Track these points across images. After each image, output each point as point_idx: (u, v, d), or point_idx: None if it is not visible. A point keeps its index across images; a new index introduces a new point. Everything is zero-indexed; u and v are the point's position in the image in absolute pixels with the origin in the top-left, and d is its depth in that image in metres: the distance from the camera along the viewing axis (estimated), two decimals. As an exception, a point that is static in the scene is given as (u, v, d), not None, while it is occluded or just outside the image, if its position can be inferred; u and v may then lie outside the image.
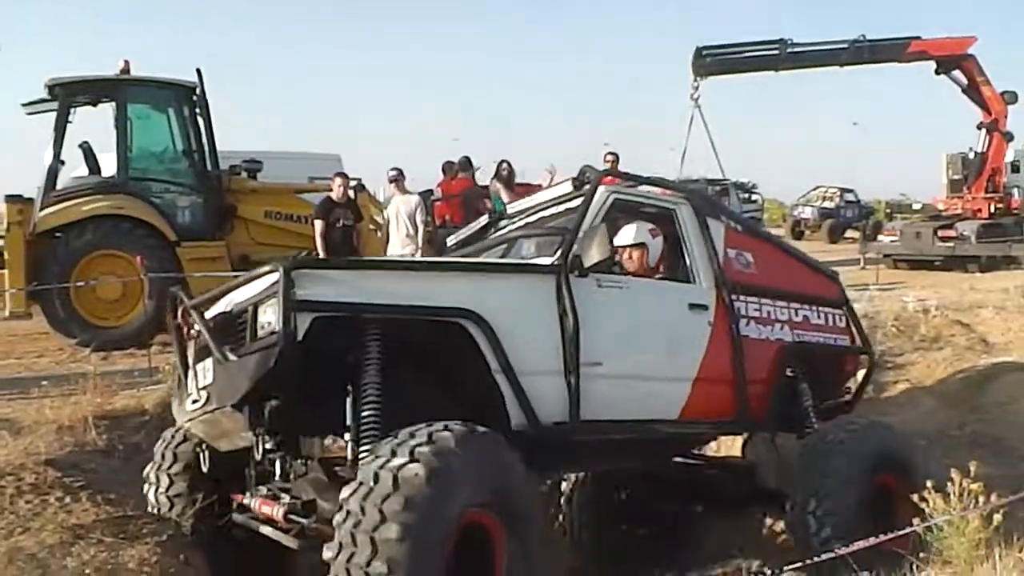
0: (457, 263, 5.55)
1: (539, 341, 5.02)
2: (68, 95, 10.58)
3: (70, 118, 10.59)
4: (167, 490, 5.51)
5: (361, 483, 4.07)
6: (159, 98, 10.92)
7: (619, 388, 5.28)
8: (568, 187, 5.90)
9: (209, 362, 4.74)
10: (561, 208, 5.98)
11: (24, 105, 11.27)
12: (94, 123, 11.45)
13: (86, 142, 11.09)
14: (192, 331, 4.92)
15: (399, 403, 4.66)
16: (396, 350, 4.70)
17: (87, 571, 4.76)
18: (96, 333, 9.90)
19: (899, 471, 5.62)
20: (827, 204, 30.87)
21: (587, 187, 5.61)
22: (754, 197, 26.31)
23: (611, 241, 5.36)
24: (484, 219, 6.75)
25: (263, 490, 5.05)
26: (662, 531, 6.98)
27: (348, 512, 4.03)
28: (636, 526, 7.07)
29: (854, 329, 6.78)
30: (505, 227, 6.47)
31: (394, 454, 4.13)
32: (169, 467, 5.59)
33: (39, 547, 5.06)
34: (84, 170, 11.12)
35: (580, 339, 5.04)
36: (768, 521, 7.02)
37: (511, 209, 6.64)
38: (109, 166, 10.84)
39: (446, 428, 4.28)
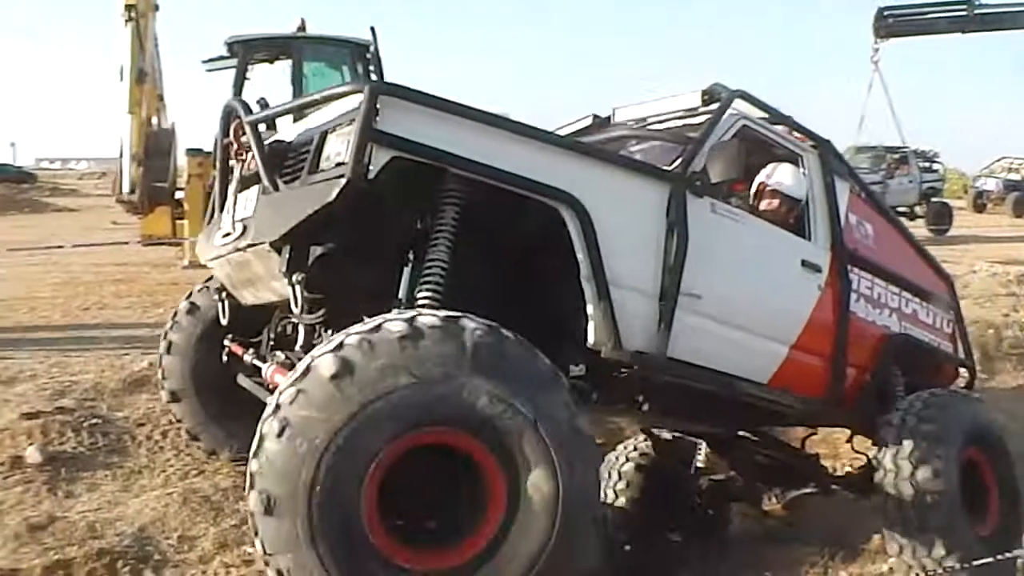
0: (571, 141, 4.62)
1: (640, 253, 4.33)
2: (247, 52, 10.90)
3: (248, 75, 10.91)
4: (176, 335, 5.38)
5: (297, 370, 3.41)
6: (334, 55, 11.13)
7: (713, 331, 4.58)
8: (695, 100, 5.16)
9: (254, 191, 4.24)
10: (679, 124, 5.25)
11: (204, 62, 11.66)
12: (270, 79, 11.73)
13: (263, 98, 11.37)
14: (241, 153, 4.34)
15: (465, 289, 4.06)
16: (474, 224, 4.10)
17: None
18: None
19: (986, 447, 5.24)
20: (1012, 176, 29.02)
21: (717, 105, 4.93)
22: (935, 166, 24.90)
23: (740, 167, 4.60)
24: (587, 118, 5.82)
25: (280, 356, 4.38)
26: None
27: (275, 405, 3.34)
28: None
29: (959, 337, 6.22)
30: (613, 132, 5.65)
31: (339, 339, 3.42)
32: (187, 311, 5.38)
33: (213, 489, 5.23)
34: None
35: (684, 263, 4.38)
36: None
37: (620, 115, 5.73)
38: (284, 122, 11.10)
39: (421, 315, 3.51)
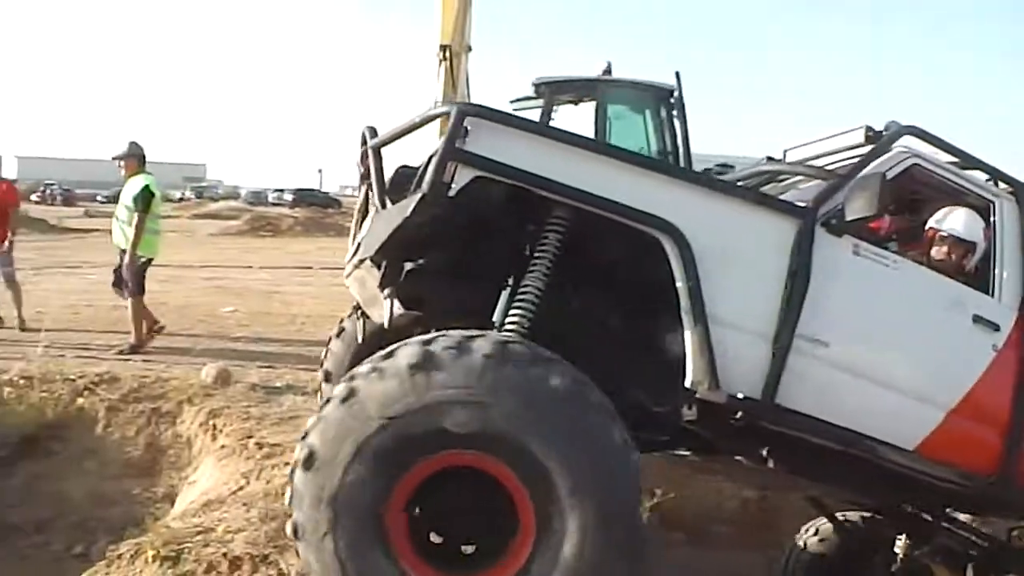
0: (677, 168, 4.56)
1: (750, 290, 4.05)
2: (553, 93, 11.06)
3: (553, 115, 11.07)
4: (329, 363, 5.42)
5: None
6: (637, 99, 11.09)
7: (841, 383, 4.16)
8: (858, 137, 4.68)
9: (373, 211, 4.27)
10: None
11: (512, 102, 11.95)
12: (575, 121, 11.89)
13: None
14: (368, 176, 4.34)
15: (564, 317, 4.11)
16: (581, 252, 4.06)
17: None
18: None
19: None
20: None
21: (882, 140, 4.50)
22: None
23: (878, 204, 4.03)
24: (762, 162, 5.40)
25: None
26: None
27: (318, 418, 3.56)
28: None
29: None
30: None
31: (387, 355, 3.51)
32: (336, 335, 5.41)
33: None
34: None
35: (805, 304, 4.03)
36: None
37: (792, 156, 5.31)
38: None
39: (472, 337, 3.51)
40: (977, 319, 4.44)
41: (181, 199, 65.01)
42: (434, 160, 3.79)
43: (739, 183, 4.85)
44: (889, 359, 4.30)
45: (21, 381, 7.82)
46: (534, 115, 11.51)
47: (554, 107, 11.14)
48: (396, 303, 4.15)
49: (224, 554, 4.65)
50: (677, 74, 11.12)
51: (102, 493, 6.94)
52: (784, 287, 4.04)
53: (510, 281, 4.15)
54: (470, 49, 13.80)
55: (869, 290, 4.27)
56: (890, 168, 4.35)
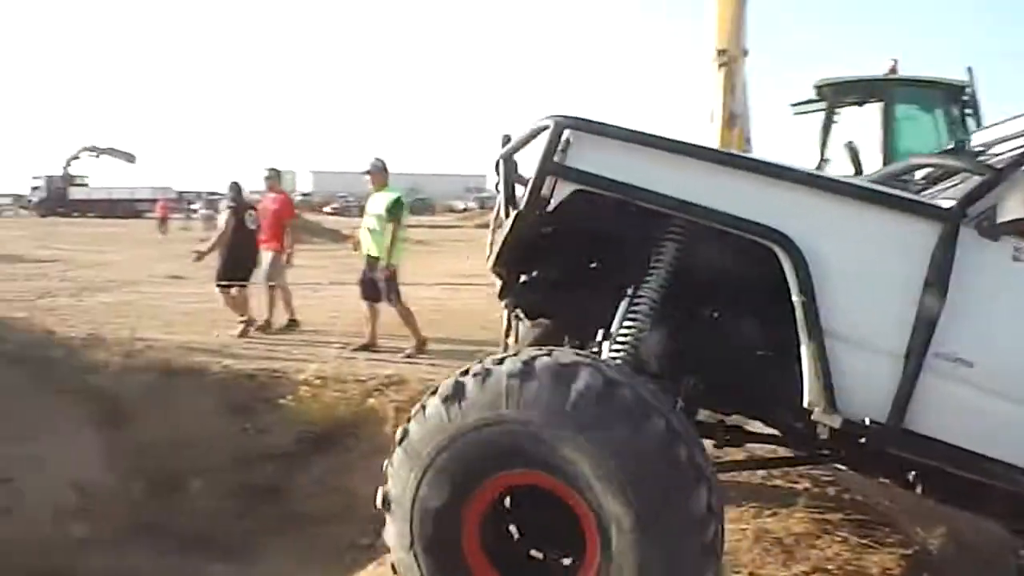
0: (790, 170, 3.81)
1: (878, 302, 3.57)
2: (836, 95, 10.66)
3: (836, 118, 10.68)
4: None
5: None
6: (927, 98, 10.49)
7: (990, 408, 3.54)
8: None
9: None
10: None
11: (793, 105, 11.62)
12: (860, 123, 11.43)
13: (852, 142, 11.13)
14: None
15: (691, 328, 3.98)
16: (703, 257, 3.79)
17: (829, 567, 4.60)
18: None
19: None
20: None
21: None
22: None
23: None
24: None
25: None
26: None
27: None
28: None
29: None
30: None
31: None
32: (504, 332, 5.22)
33: (785, 532, 5.02)
34: (849, 169, 11.19)
35: (945, 319, 3.45)
36: None
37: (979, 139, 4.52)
38: (872, 167, 10.76)
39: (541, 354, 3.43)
40: None
41: (464, 209, 67.09)
42: (532, 175, 3.74)
43: (883, 179, 4.32)
44: None
45: (316, 381, 8.36)
46: (816, 119, 11.23)
47: (837, 110, 10.79)
48: (519, 313, 4.23)
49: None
50: (969, 69, 10.45)
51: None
52: (919, 299, 3.53)
53: (630, 290, 3.94)
54: (746, 53, 13.53)
55: None
56: None
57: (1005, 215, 3.53)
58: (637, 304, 3.84)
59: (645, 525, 3.27)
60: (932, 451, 3.63)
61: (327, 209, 62.67)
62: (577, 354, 3.52)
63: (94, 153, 61.70)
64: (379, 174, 10.72)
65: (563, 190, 3.75)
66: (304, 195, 75.76)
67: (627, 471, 3.29)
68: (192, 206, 44.00)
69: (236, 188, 12.13)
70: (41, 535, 5.79)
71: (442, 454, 3.50)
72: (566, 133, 3.76)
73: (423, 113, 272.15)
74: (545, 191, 3.76)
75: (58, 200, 61.54)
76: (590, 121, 3.88)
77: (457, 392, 3.52)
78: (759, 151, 14.13)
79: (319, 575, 6.33)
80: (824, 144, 10.51)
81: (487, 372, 3.50)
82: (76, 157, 62.33)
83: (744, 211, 3.63)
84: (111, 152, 60.94)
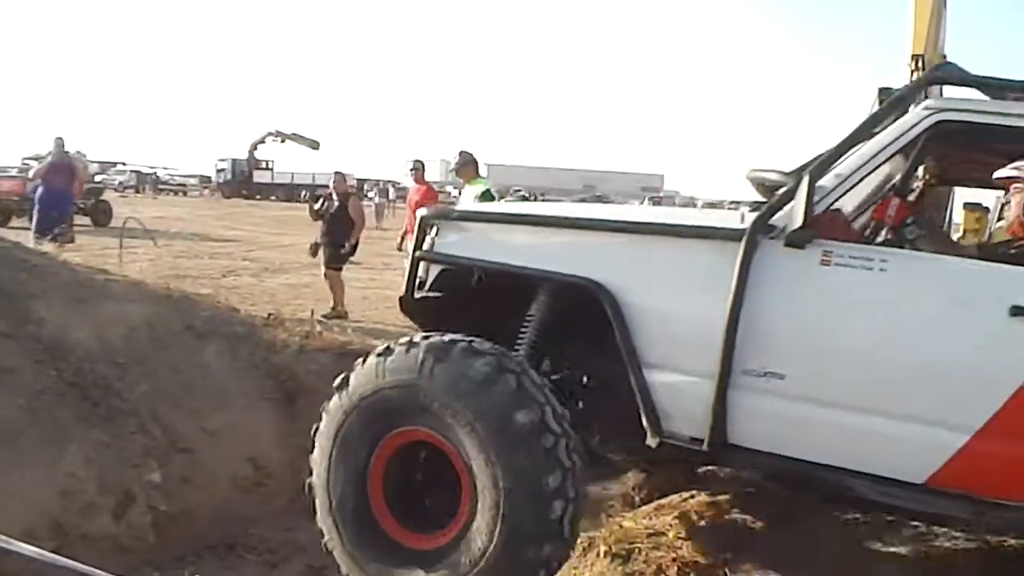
0: (595, 219, 4.36)
1: (685, 328, 3.86)
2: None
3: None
4: None
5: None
6: None
7: (812, 416, 3.66)
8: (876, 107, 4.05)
9: None
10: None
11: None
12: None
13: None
14: None
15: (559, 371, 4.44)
16: (555, 312, 4.28)
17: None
18: None
19: None
20: None
21: (893, 101, 3.80)
22: None
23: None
24: None
25: None
26: None
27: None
28: None
29: None
30: None
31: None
32: None
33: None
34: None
35: (751, 335, 3.64)
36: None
37: None
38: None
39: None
40: (1017, 311, 3.45)
41: (636, 210, 67.13)
42: (407, 264, 4.61)
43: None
44: (877, 382, 3.61)
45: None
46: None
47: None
48: None
49: (674, 559, 4.69)
50: None
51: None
52: (723, 321, 3.70)
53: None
54: (944, 58, 12.87)
55: (846, 303, 3.67)
56: (897, 140, 3.76)
57: (793, 223, 3.66)
58: (515, 351, 4.21)
59: (501, 495, 3.71)
60: (759, 463, 3.90)
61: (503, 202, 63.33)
62: (491, 345, 3.96)
63: (279, 138, 64.18)
64: (467, 167, 10.84)
65: (433, 271, 4.54)
66: (482, 187, 77.03)
67: (498, 445, 3.72)
68: (368, 194, 45.15)
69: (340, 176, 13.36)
70: (216, 506, 6.01)
71: (364, 400, 4.06)
72: (432, 225, 4.51)
73: (603, 110, 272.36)
74: (421, 273, 4.57)
75: (242, 182, 64.37)
76: (448, 212, 4.74)
77: (387, 353, 4.05)
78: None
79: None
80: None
81: (413, 343, 4.00)
82: (262, 141, 64.99)
83: (559, 265, 4.13)
84: (295, 138, 63.27)
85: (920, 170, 5.06)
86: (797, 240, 3.67)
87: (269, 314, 9.97)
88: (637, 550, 4.81)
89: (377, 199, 42.02)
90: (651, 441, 3.96)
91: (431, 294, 4.60)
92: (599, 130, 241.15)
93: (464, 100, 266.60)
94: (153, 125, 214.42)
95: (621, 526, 5.19)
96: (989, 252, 4.00)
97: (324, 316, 11.42)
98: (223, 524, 5.93)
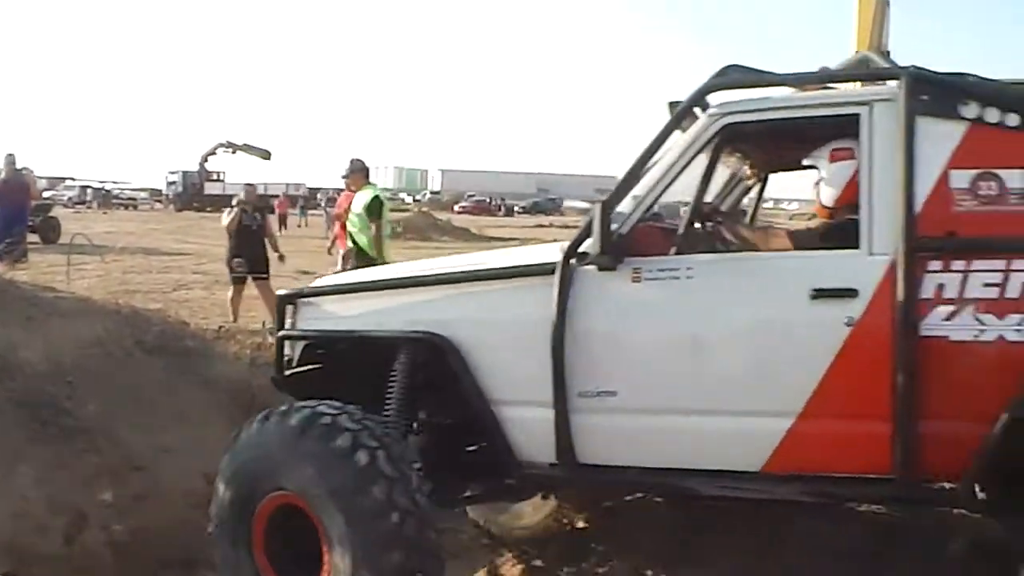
0: (420, 277, 4.58)
1: (520, 362, 4.08)
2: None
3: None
4: None
5: None
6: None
7: (649, 426, 3.88)
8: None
9: None
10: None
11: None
12: None
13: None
14: None
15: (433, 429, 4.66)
16: (416, 371, 4.40)
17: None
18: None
19: None
20: None
21: (677, 114, 4.00)
22: None
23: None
24: None
25: None
26: None
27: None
28: None
29: None
30: None
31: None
32: None
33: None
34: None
35: (579, 358, 3.89)
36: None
37: None
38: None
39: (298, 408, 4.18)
40: (818, 293, 3.67)
41: (587, 211, 67.65)
42: (275, 344, 4.88)
43: None
44: (700, 384, 3.84)
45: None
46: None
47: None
48: None
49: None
50: None
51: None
52: (550, 351, 3.92)
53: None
54: (888, 54, 13.09)
55: (661, 314, 3.90)
56: (687, 150, 3.96)
57: (593, 248, 3.87)
58: (386, 412, 4.38)
59: (346, 544, 3.85)
60: (611, 477, 4.09)
61: (457, 207, 63.26)
62: (328, 407, 4.11)
63: (230, 149, 63.50)
64: (356, 174, 10.80)
65: (297, 348, 4.77)
66: (434, 193, 76.75)
67: (338, 500, 3.87)
68: (321, 203, 44.89)
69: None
70: (173, 523, 5.92)
71: (238, 471, 4.29)
72: (288, 304, 4.82)
73: (556, 113, 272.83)
74: (288, 352, 4.80)
75: (194, 195, 63.73)
76: (301, 290, 4.98)
77: (257, 426, 4.25)
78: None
79: None
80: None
81: (268, 415, 4.23)
82: (212, 153, 64.31)
83: (402, 324, 4.38)
84: (247, 148, 62.62)
85: (743, 167, 5.32)
86: (602, 265, 3.89)
87: (220, 327, 9.89)
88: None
89: (328, 208, 41.77)
90: (514, 473, 4.22)
91: (302, 369, 4.81)
92: (552, 133, 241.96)
93: (416, 106, 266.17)
94: (102, 139, 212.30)
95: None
96: (800, 238, 4.19)
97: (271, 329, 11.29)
98: (181, 542, 5.84)
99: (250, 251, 12.11)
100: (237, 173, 67.77)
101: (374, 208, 10.47)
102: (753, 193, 5.59)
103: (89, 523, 5.63)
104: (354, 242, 10.70)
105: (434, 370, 4.38)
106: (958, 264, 3.58)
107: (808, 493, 3.90)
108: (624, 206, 4.03)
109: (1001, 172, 3.60)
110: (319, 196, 53.88)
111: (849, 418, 3.72)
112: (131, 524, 5.78)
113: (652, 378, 3.92)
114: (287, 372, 4.82)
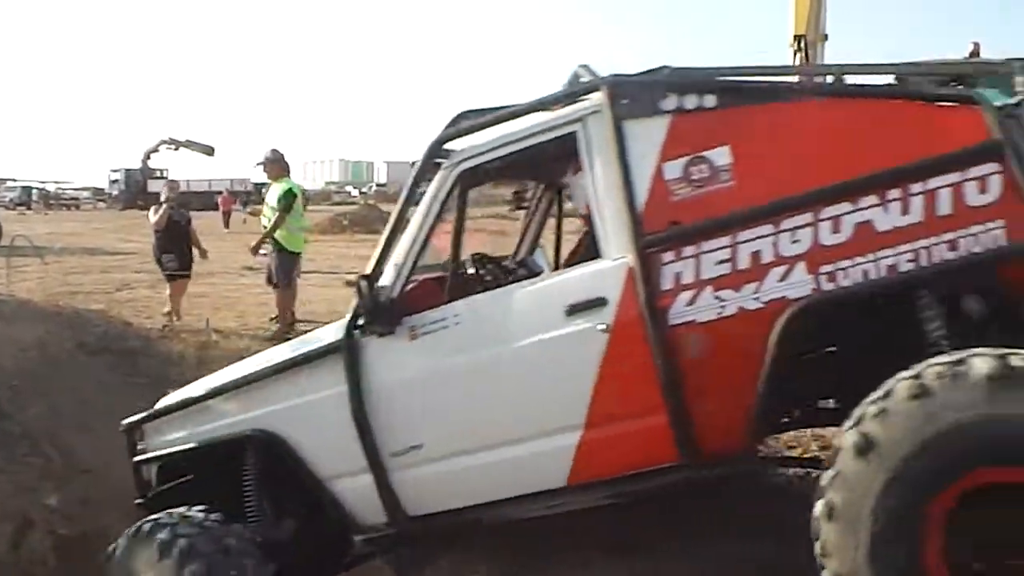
0: (238, 379, 4.64)
1: (335, 438, 4.19)
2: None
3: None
4: None
5: None
6: (1003, 80, 10.20)
7: (458, 468, 4.05)
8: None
9: None
10: None
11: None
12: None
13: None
14: None
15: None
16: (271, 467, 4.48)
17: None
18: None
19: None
20: None
21: (421, 170, 4.17)
22: None
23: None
24: None
25: None
26: None
27: None
28: None
29: None
30: None
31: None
32: None
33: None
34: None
35: (380, 421, 4.08)
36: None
37: None
38: None
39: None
40: (572, 309, 3.80)
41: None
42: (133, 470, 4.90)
43: None
44: (488, 419, 4.00)
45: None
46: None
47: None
48: None
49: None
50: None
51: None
52: (354, 422, 4.11)
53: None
54: (826, 38, 13.27)
55: (441, 364, 4.05)
56: (432, 206, 4.13)
57: (366, 319, 4.09)
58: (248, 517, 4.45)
59: None
60: (440, 523, 4.19)
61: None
62: (169, 516, 4.29)
63: (172, 146, 62.51)
64: (274, 165, 10.72)
65: (152, 469, 4.82)
66: (380, 185, 76.19)
67: None
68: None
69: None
70: (120, 526, 5.86)
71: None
72: (134, 432, 4.92)
73: (499, 103, 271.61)
74: (145, 475, 4.88)
75: (137, 193, 62.67)
76: (142, 416, 4.97)
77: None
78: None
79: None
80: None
81: (138, 529, 4.34)
82: (155, 150, 63.25)
83: (229, 428, 4.51)
84: (190, 145, 61.72)
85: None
86: (378, 332, 4.08)
87: (164, 326, 9.79)
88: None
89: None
90: (357, 539, 4.43)
91: (166, 486, 4.80)
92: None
93: (360, 98, 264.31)
94: (41, 139, 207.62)
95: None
96: (569, 258, 4.45)
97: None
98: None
99: (178, 247, 11.88)
100: (181, 170, 67.13)
101: (285, 200, 10.32)
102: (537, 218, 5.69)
103: (34, 528, 5.57)
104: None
105: (275, 463, 4.48)
106: (688, 250, 3.68)
107: (613, 495, 4.01)
108: (389, 271, 4.16)
109: (708, 153, 3.71)
110: (264, 192, 53.33)
111: (628, 418, 3.82)
112: (77, 528, 5.74)
113: (448, 424, 4.08)
114: (149, 495, 4.87)
